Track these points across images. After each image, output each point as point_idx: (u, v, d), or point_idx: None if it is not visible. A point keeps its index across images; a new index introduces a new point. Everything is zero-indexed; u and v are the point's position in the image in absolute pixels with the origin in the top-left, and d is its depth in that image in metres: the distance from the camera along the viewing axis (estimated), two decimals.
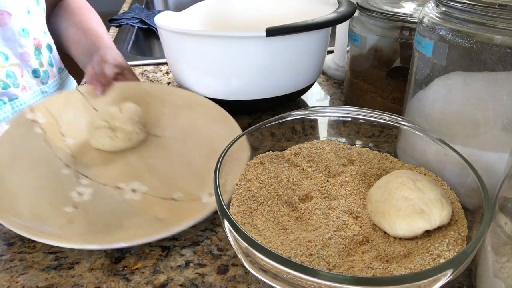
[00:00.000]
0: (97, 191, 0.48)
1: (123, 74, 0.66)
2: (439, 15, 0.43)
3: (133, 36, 1.12)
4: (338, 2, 0.66)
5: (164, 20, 0.66)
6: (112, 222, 0.44)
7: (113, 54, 0.67)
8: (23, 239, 0.45)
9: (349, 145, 0.50)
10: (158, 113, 0.60)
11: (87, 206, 0.46)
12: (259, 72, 0.62)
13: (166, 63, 0.91)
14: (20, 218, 0.42)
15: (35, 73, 0.71)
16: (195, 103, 0.60)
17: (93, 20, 0.78)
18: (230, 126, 0.51)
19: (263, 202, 0.41)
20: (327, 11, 0.62)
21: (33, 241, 0.45)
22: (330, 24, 0.60)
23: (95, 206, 0.46)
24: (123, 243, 0.39)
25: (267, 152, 0.48)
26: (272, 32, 0.57)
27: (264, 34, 0.57)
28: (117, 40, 1.06)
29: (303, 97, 0.75)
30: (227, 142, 0.43)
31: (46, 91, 0.74)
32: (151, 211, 0.45)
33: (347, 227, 0.38)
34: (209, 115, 0.56)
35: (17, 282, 0.40)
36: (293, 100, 0.70)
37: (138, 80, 0.67)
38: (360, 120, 0.48)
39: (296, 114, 0.48)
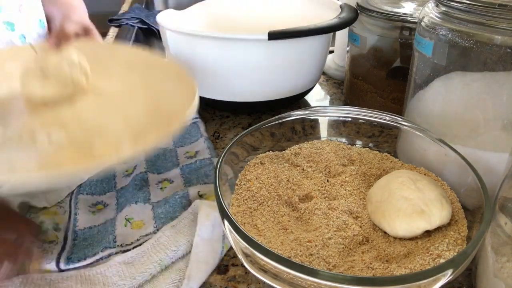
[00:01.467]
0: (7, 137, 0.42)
1: (87, 34, 0.60)
2: (439, 15, 0.43)
3: (133, 36, 1.12)
4: (340, 7, 0.66)
5: (166, 19, 0.66)
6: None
7: (80, 13, 0.63)
8: None
9: (349, 145, 0.50)
10: (109, 68, 0.55)
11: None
12: (260, 75, 0.62)
13: None
14: None
15: None
16: (152, 61, 0.55)
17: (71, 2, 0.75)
18: (184, 84, 0.46)
19: (263, 202, 0.41)
20: (329, 16, 0.62)
21: None
22: (332, 29, 0.61)
23: None
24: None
25: (267, 152, 0.48)
26: (274, 35, 0.57)
27: (267, 37, 0.57)
28: (117, 40, 1.06)
29: None
30: (175, 100, 0.40)
31: None
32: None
33: (347, 227, 0.38)
34: (165, 73, 0.51)
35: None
36: (293, 102, 0.70)
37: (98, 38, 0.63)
38: (360, 120, 0.48)
39: (296, 114, 0.48)
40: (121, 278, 0.39)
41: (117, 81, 0.53)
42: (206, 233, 0.42)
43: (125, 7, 1.40)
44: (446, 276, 0.29)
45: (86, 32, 0.59)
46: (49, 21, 0.74)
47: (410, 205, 0.37)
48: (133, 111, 0.47)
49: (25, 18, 0.63)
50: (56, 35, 0.55)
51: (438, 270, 0.29)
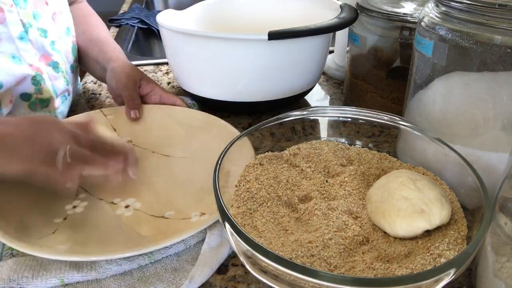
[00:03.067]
0: (91, 205, 0.48)
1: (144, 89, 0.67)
2: (439, 15, 0.43)
3: (133, 36, 1.12)
4: (340, 7, 0.66)
5: (166, 19, 0.66)
6: (94, 235, 0.44)
7: (125, 71, 0.66)
8: None
9: (348, 145, 0.50)
10: (174, 134, 0.61)
11: (76, 218, 0.46)
12: (260, 75, 0.62)
13: (166, 63, 0.91)
14: (6, 224, 0.43)
15: (71, 68, 0.71)
16: (210, 124, 0.60)
17: (97, 27, 0.78)
18: (244, 148, 0.49)
19: (263, 203, 0.41)
20: (329, 16, 0.62)
21: None
22: (332, 29, 0.61)
23: (83, 219, 0.46)
24: (94, 256, 0.39)
25: (266, 152, 0.48)
26: (274, 35, 0.57)
27: (267, 37, 0.57)
28: (117, 40, 1.06)
29: None
30: (238, 163, 0.43)
31: (76, 87, 0.76)
32: (137, 227, 0.45)
33: (347, 227, 0.38)
34: (223, 136, 0.55)
35: None
36: (293, 102, 0.70)
37: (155, 83, 0.68)
38: (359, 120, 0.48)
39: (296, 114, 0.48)
40: (108, 262, 0.41)
41: (181, 146, 0.59)
42: (214, 242, 0.42)
43: (125, 7, 1.40)
44: (449, 276, 0.29)
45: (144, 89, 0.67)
46: (83, 54, 0.76)
47: (410, 205, 0.37)
48: (198, 176, 0.53)
49: (56, 26, 0.66)
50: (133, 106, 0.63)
51: (441, 269, 0.29)
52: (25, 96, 0.60)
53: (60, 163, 0.45)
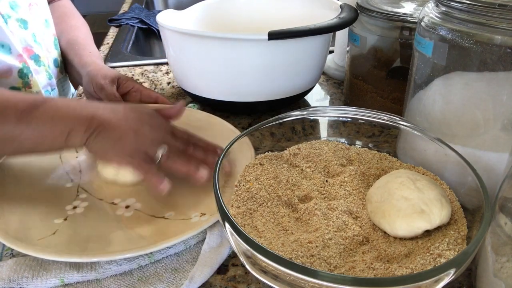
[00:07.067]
0: (91, 206, 0.48)
1: (124, 85, 0.63)
2: (439, 15, 0.43)
3: (133, 36, 1.12)
4: (340, 7, 0.66)
5: (166, 19, 0.66)
6: (94, 235, 0.44)
7: (101, 73, 0.63)
8: None
9: (348, 145, 0.50)
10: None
11: (76, 219, 0.46)
12: (260, 75, 0.62)
13: (166, 63, 0.91)
14: (6, 224, 0.43)
15: (55, 62, 0.70)
16: (210, 124, 0.60)
17: (75, 28, 0.75)
18: (244, 148, 0.49)
19: (263, 203, 0.41)
20: (329, 16, 0.62)
21: None
22: (332, 29, 0.61)
23: (84, 219, 0.46)
24: (94, 257, 0.39)
25: (266, 152, 0.48)
26: (274, 35, 0.57)
27: (267, 37, 0.57)
28: (117, 40, 1.06)
29: None
30: (238, 163, 0.43)
31: (64, 79, 0.74)
32: (137, 228, 0.45)
33: (347, 227, 0.38)
34: (223, 136, 0.55)
35: None
36: (293, 102, 0.70)
37: (133, 80, 0.65)
38: (359, 120, 0.48)
39: (296, 114, 0.48)
40: (108, 262, 0.41)
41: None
42: (214, 242, 0.42)
43: (125, 7, 1.40)
44: (449, 276, 0.29)
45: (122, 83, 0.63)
46: (62, 56, 0.74)
47: (410, 205, 0.37)
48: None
49: (34, 17, 0.64)
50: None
51: (441, 269, 0.29)
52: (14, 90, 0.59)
53: (157, 160, 0.45)
